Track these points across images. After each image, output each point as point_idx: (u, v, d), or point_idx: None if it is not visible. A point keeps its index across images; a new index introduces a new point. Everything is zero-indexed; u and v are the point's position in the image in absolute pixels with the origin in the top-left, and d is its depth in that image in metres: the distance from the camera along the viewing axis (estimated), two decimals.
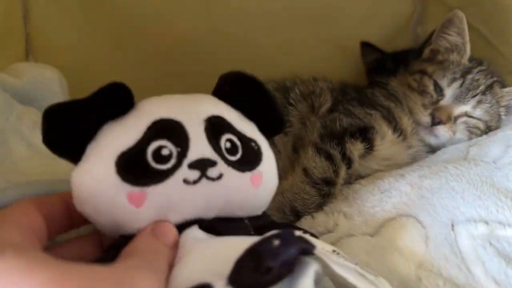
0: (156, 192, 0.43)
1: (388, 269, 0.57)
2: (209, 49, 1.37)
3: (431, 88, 0.92)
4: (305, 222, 0.74)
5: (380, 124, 0.89)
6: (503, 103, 0.94)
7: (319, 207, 0.77)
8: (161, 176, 0.43)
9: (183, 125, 0.46)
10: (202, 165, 0.45)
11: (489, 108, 0.92)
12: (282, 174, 0.90)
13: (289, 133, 0.93)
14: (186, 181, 0.44)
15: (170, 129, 0.46)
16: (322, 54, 1.51)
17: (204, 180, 0.45)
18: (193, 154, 0.45)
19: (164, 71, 1.30)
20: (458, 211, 0.64)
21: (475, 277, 0.55)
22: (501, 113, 0.94)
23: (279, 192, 0.79)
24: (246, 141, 0.50)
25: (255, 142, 0.52)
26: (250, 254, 0.38)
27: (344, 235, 0.67)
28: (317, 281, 0.36)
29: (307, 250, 0.38)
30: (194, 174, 0.45)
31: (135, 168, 0.43)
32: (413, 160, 0.93)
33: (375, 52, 1.49)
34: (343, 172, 0.82)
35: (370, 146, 0.87)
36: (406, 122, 0.92)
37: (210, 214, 0.48)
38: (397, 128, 0.90)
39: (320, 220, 0.73)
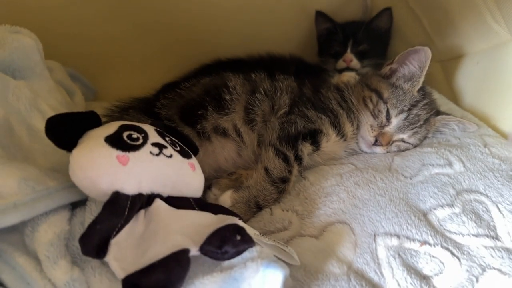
0: (134, 156, 0.68)
1: (327, 268, 0.79)
2: (186, 20, 1.50)
3: (383, 114, 1.11)
4: (266, 218, 0.92)
5: (327, 128, 1.08)
6: (433, 130, 1.17)
7: (277, 201, 0.96)
8: (135, 147, 0.70)
9: (141, 126, 0.76)
10: (159, 145, 0.74)
11: (421, 136, 1.15)
12: (249, 164, 1.07)
13: (255, 130, 1.08)
14: (151, 153, 0.71)
15: (133, 127, 0.75)
16: (285, 17, 1.65)
17: (162, 156, 0.73)
18: (152, 139, 0.74)
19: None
20: (380, 224, 0.86)
21: (385, 279, 0.77)
22: (428, 135, 1.18)
23: (246, 187, 0.97)
24: (180, 144, 0.82)
25: (186, 148, 0.83)
26: (219, 236, 0.63)
27: (296, 234, 0.87)
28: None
29: (251, 247, 0.65)
30: (155, 149, 0.73)
31: (117, 141, 0.69)
32: (348, 154, 1.15)
33: (328, 22, 1.61)
34: (295, 170, 1.01)
35: (317, 147, 1.07)
36: (348, 128, 1.11)
37: (166, 190, 0.73)
38: (340, 132, 1.10)
39: (278, 217, 0.92)
